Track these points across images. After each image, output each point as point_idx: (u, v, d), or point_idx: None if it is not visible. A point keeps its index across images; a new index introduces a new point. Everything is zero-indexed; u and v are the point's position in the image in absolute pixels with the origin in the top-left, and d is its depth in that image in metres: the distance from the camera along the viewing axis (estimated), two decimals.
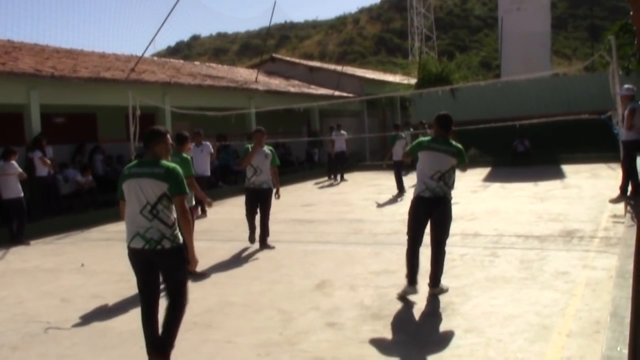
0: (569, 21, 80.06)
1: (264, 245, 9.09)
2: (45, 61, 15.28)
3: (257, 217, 9.25)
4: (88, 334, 5.46)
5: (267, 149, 9.12)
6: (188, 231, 4.52)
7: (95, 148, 16.15)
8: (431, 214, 5.99)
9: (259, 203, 9.14)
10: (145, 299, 4.53)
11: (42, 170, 12.31)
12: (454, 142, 6.10)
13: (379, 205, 13.47)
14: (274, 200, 9.23)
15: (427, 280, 5.97)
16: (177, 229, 4.47)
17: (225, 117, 17.76)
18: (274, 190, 9.22)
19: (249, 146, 9.15)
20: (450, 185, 6.02)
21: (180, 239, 4.48)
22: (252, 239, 9.23)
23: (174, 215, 4.45)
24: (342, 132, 21.26)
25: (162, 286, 4.55)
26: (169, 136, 4.64)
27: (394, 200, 14.08)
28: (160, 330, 4.46)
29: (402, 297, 5.92)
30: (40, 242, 11.07)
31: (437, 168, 5.93)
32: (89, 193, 14.13)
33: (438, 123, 6.15)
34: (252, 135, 9.28)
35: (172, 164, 4.49)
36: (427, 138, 6.33)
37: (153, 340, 4.48)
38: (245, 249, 9.10)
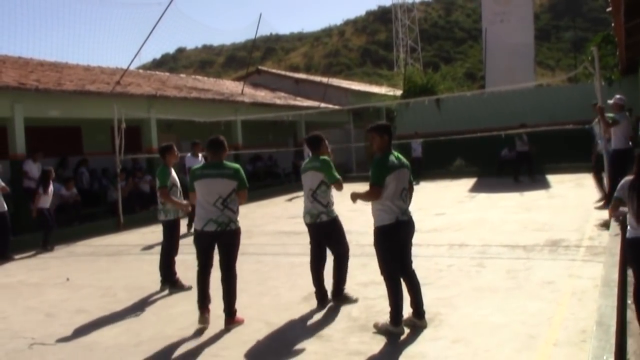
0: (551, 32, 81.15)
1: (339, 297, 6.31)
2: (29, 74, 15.20)
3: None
4: (73, 349, 5.40)
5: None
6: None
7: (81, 161, 16.06)
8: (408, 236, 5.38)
9: (324, 241, 6.39)
10: (204, 270, 5.84)
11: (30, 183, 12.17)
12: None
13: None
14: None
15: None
16: (238, 214, 5.74)
17: (212, 128, 17.77)
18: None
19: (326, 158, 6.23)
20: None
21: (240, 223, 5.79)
22: (323, 302, 6.26)
23: (237, 204, 5.75)
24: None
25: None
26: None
27: None
28: (223, 303, 5.68)
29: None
30: (25, 256, 10.95)
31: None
32: (74, 207, 14.01)
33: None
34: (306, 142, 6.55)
35: (237, 165, 5.84)
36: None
37: (206, 300, 5.80)
38: None
